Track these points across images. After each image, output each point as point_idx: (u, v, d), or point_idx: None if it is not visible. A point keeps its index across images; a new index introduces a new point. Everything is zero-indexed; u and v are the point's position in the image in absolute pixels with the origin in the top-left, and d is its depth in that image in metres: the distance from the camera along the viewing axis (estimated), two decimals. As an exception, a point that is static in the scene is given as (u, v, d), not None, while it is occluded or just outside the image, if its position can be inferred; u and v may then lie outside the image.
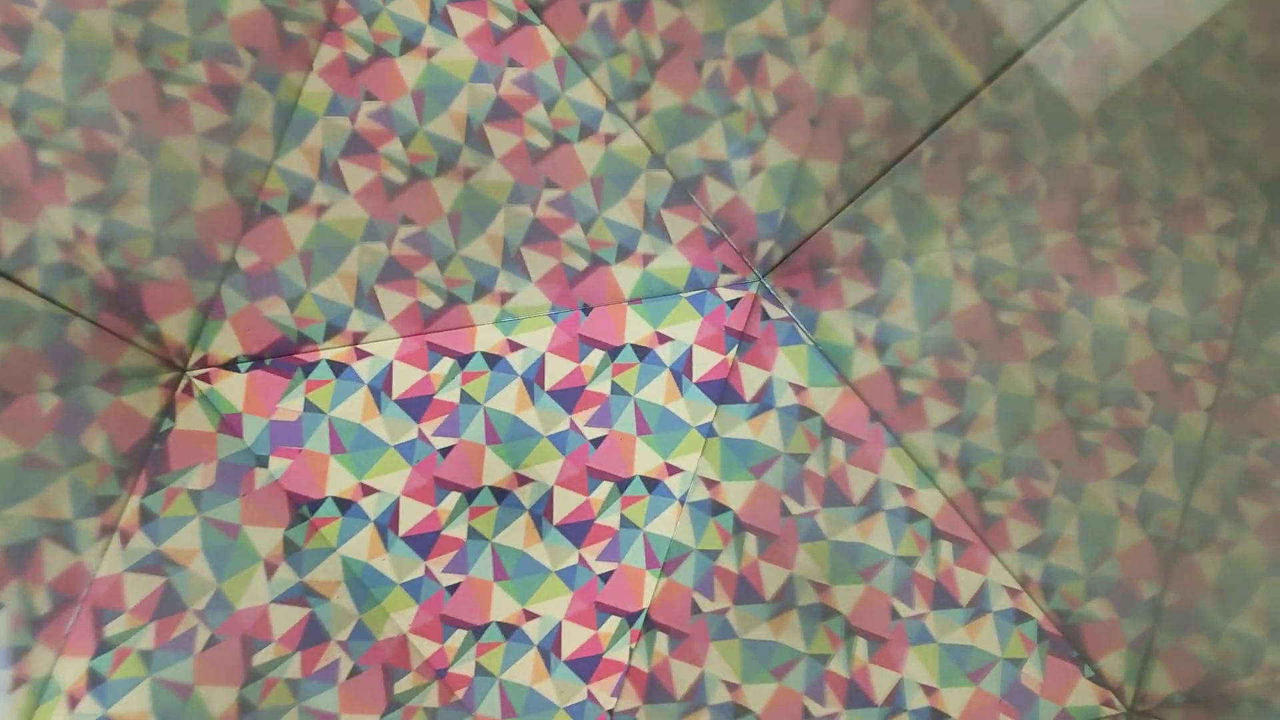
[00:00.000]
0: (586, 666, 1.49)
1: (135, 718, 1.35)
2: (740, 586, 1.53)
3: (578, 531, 1.50)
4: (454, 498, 1.48)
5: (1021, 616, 1.54)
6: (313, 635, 1.42)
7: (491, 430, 1.50)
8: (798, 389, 1.55)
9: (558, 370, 1.52)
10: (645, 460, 1.53)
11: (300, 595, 1.42)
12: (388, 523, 1.45)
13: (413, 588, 1.46)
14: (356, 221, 1.44)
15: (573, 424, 1.51)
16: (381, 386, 1.47)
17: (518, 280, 1.49)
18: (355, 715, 1.42)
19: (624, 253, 1.52)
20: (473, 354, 1.50)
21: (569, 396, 1.52)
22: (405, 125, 1.46)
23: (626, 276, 1.53)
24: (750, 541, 1.54)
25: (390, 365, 1.47)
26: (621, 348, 1.53)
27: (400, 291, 1.47)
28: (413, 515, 1.46)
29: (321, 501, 1.44)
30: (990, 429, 1.55)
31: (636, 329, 1.54)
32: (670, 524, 1.53)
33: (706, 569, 1.53)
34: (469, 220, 1.47)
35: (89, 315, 1.33)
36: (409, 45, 1.48)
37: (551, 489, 1.50)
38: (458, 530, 1.47)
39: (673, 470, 1.53)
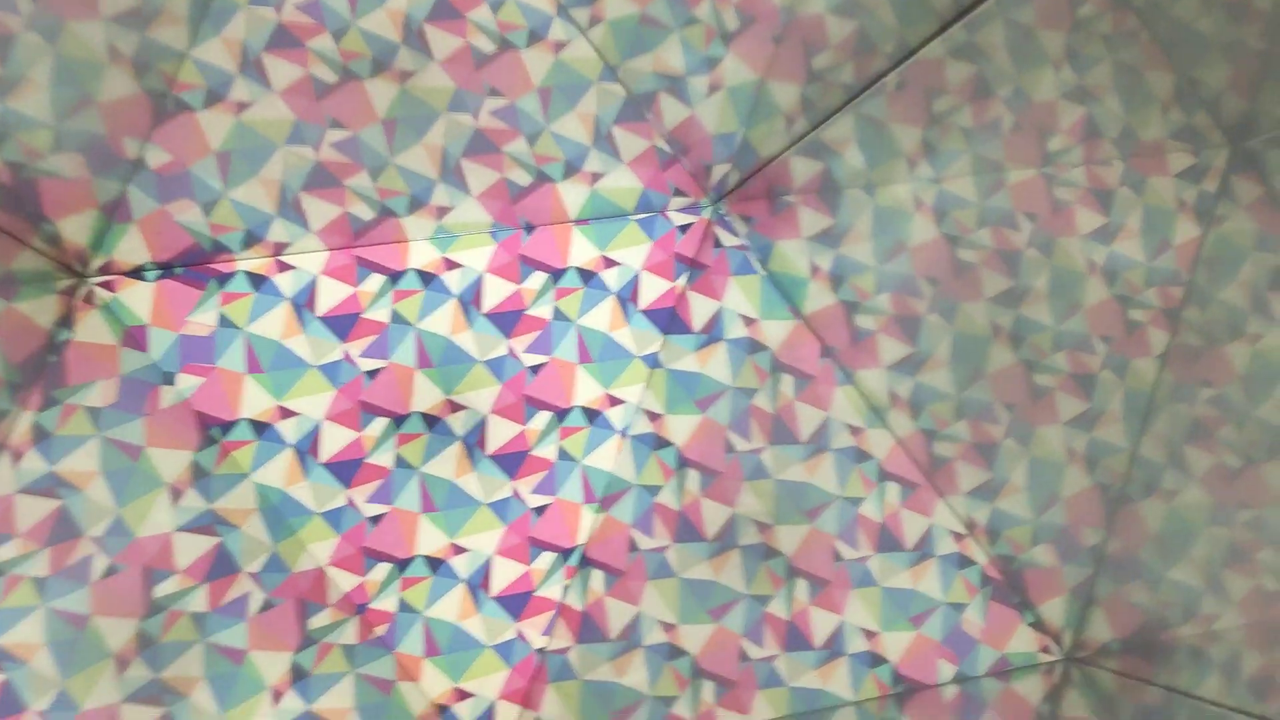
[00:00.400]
0: (517, 604, 1.43)
1: (27, 648, 1.26)
2: (681, 524, 1.48)
3: (512, 463, 1.43)
4: (381, 423, 1.39)
5: (965, 561, 1.52)
6: (221, 566, 1.33)
7: (423, 353, 1.41)
8: (748, 321, 1.49)
9: (496, 292, 1.43)
10: (586, 390, 1.46)
11: (208, 524, 1.33)
12: (308, 448, 1.36)
13: (333, 518, 1.38)
14: (281, 122, 1.33)
15: (511, 349, 1.43)
16: (305, 302, 1.37)
17: (456, 194, 1.39)
18: (265, 652, 1.34)
19: (571, 169, 1.43)
20: (405, 271, 1.40)
21: (508, 320, 1.43)
22: (337, 19, 1.34)
23: (573, 195, 1.44)
24: (693, 478, 1.48)
25: (315, 280, 1.37)
26: (565, 271, 1.45)
27: (328, 200, 1.37)
28: (335, 441, 1.37)
29: (234, 424, 1.34)
30: (944, 369, 1.50)
31: (582, 251, 1.45)
32: (610, 457, 1.46)
33: (646, 505, 1.48)
34: (405, 127, 1.36)
35: (-22, 212, 1.20)
36: (342, -69, 1.36)
37: (486, 417, 1.43)
38: (384, 458, 1.39)
39: (615, 401, 1.47)
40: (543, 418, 1.45)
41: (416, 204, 1.39)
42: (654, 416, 1.48)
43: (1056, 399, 1.53)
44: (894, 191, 1.49)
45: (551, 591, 1.44)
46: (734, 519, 1.48)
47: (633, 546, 1.48)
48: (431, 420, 1.41)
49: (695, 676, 1.48)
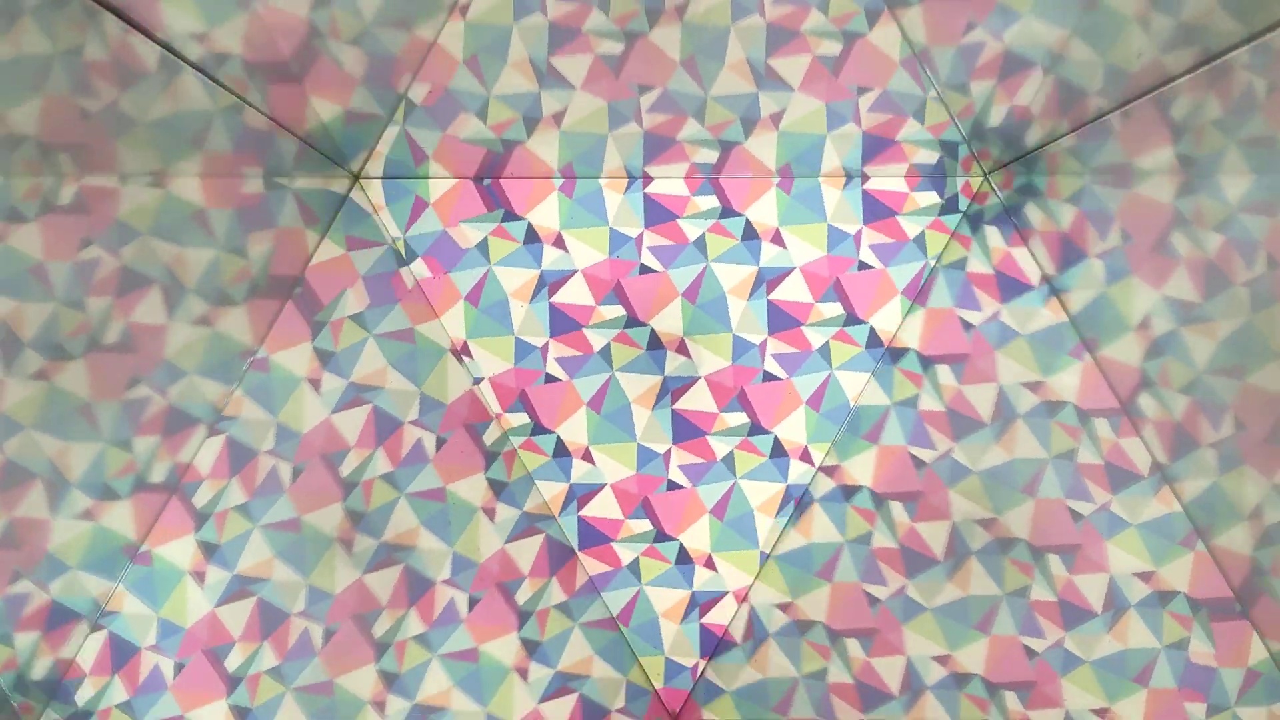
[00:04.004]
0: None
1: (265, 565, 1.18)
2: (907, 558, 1.41)
3: (685, 430, 1.39)
4: (616, 310, 1.35)
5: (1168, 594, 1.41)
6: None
7: (696, 288, 1.37)
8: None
9: (793, 291, 1.41)
10: (792, 429, 1.42)
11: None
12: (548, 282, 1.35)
13: (519, 348, 1.34)
14: (598, 114, 1.34)
15: (765, 344, 1.40)
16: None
17: (781, 95, 1.37)
18: (461, 480, 1.28)
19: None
20: (742, 214, 1.39)
21: (784, 319, 1.41)
22: (600, -10, 1.37)
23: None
24: (897, 509, 1.43)
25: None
26: (903, 352, 1.45)
27: (672, 163, 1.37)
28: (573, 294, 1.35)
29: None
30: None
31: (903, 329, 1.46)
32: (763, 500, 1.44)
33: (864, 557, 1.41)
34: (704, 58, 1.35)
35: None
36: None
37: (697, 379, 1.38)
38: (595, 339, 1.35)
39: (806, 459, 1.43)
40: (738, 418, 1.40)
41: (749, 124, 1.37)
42: (830, 470, 1.44)
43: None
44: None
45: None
46: (955, 529, 1.43)
47: (871, 600, 1.39)
48: (655, 342, 1.37)
49: (992, 693, 1.35)
